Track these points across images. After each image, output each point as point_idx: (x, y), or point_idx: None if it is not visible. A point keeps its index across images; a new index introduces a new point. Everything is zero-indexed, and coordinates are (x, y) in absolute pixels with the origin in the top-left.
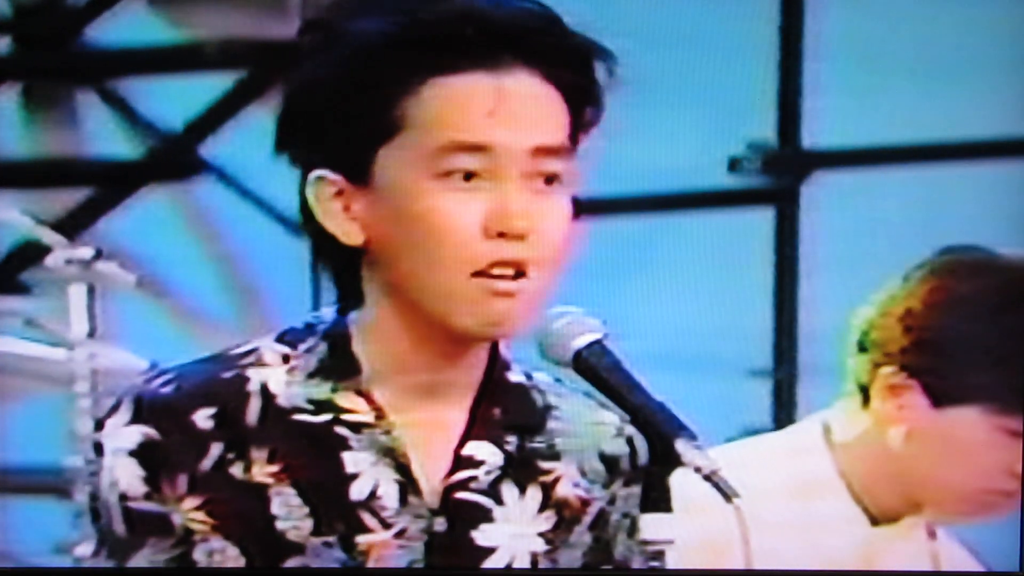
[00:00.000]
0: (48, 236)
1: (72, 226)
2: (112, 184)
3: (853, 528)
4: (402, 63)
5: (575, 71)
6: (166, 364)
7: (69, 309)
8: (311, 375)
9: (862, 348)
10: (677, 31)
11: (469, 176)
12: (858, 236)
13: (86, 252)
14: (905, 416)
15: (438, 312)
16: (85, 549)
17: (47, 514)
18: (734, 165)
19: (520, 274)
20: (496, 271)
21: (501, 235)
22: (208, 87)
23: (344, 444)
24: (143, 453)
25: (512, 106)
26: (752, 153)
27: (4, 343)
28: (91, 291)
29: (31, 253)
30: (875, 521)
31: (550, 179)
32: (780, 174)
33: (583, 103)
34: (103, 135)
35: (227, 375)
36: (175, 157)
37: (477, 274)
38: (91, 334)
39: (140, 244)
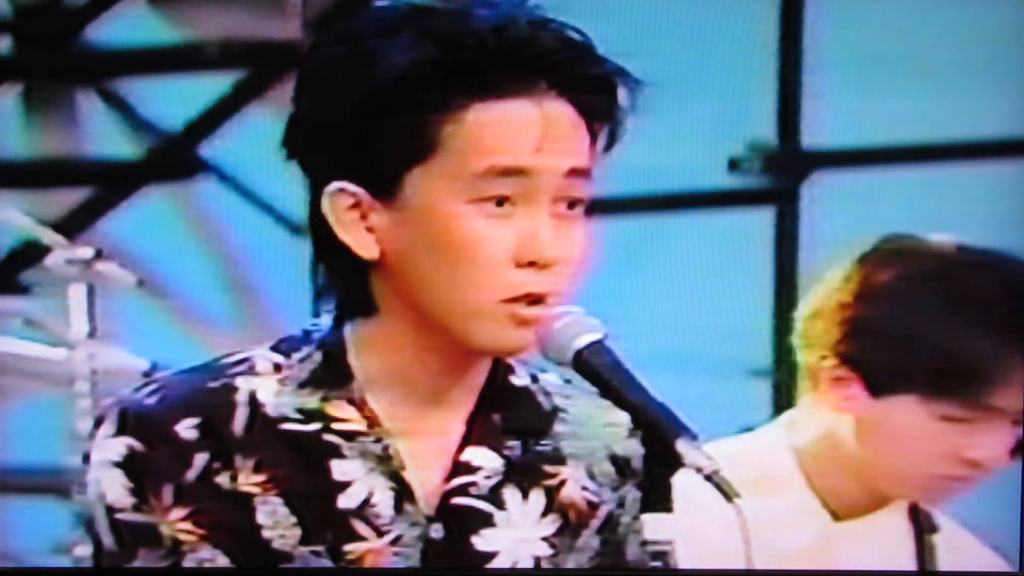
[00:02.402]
0: (48, 236)
1: (72, 226)
2: (112, 184)
3: (813, 522)
4: (442, 87)
5: (602, 99)
6: (165, 365)
7: (69, 309)
8: (302, 384)
9: (806, 344)
10: (677, 31)
11: (501, 201)
12: (858, 236)
13: (86, 252)
14: (849, 408)
15: (459, 331)
16: (85, 549)
17: (47, 514)
18: (734, 165)
19: (539, 301)
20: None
21: (532, 264)
22: (208, 87)
23: (334, 453)
24: (128, 465)
25: (554, 133)
26: (752, 153)
27: (4, 343)
28: (91, 291)
29: (31, 253)
30: (836, 516)
31: (572, 204)
32: (780, 174)
33: (606, 129)
34: (103, 135)
35: (214, 385)
36: (175, 157)
37: (507, 301)
38: (91, 334)
39: (140, 244)
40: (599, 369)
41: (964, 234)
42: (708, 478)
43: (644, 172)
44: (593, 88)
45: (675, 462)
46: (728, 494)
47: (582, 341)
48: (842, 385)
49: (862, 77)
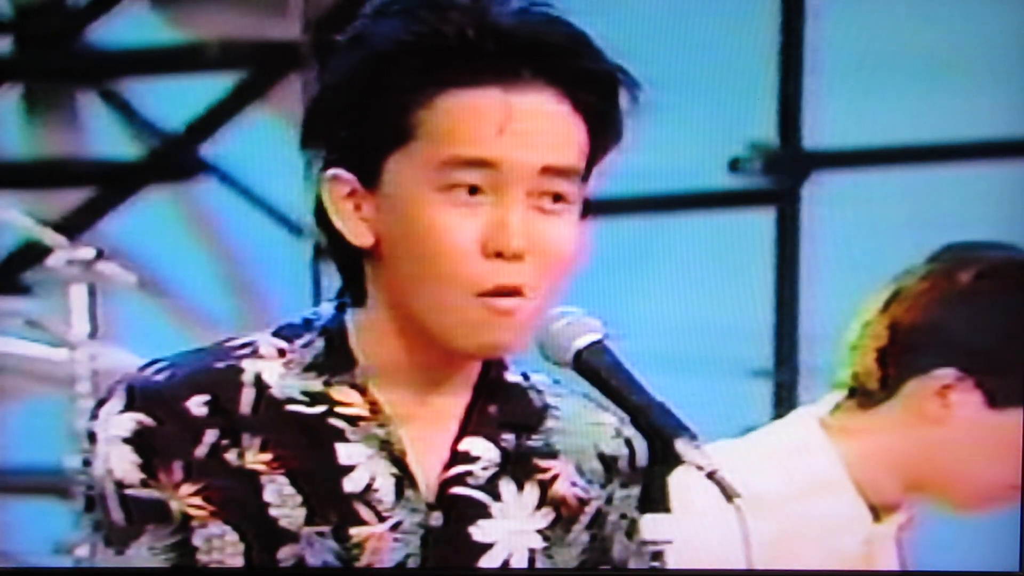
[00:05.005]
0: (49, 236)
1: (73, 226)
2: (113, 184)
3: (859, 526)
4: (418, 72)
5: (597, 95)
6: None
7: (70, 309)
8: (306, 369)
9: (892, 345)
10: (678, 32)
11: (474, 190)
12: (858, 236)
13: (87, 252)
14: (954, 414)
15: (438, 330)
16: (85, 550)
17: (47, 514)
18: (735, 165)
19: (517, 293)
20: (498, 292)
21: (498, 255)
22: (209, 88)
23: (339, 436)
24: (138, 440)
25: (522, 124)
26: (753, 153)
27: (5, 343)
28: (92, 291)
29: (32, 253)
30: (876, 516)
31: (558, 198)
32: (781, 174)
33: (602, 127)
34: (104, 135)
35: (221, 365)
36: (175, 157)
37: (481, 295)
38: (92, 334)
39: (141, 244)
40: (599, 369)
41: (964, 234)
42: (708, 477)
43: (645, 172)
44: (585, 83)
45: (674, 462)
46: (728, 494)
47: (582, 341)
48: (950, 391)
49: (862, 78)
